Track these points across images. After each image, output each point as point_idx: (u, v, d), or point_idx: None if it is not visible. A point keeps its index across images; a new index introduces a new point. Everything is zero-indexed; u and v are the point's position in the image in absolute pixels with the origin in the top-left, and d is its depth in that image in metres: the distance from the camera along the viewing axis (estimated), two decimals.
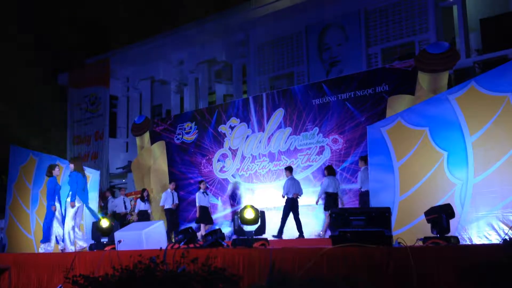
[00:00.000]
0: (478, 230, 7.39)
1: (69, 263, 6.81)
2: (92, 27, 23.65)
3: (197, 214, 12.37)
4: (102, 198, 13.74)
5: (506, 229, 6.96)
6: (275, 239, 11.07)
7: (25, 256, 8.29)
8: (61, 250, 9.27)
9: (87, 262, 6.78)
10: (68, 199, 9.30)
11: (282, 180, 11.70)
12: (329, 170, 10.92)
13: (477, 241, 7.26)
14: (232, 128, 13.38)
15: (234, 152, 13.23)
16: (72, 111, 18.85)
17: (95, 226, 8.07)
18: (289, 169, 11.28)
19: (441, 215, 5.88)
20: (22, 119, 22.09)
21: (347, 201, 11.11)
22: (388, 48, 13.89)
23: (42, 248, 9.35)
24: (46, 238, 9.41)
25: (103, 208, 13.59)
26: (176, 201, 13.18)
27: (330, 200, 10.76)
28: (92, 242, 8.27)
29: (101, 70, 18.16)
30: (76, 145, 18.31)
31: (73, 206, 9.15)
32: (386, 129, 8.73)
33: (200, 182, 12.72)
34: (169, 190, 13.19)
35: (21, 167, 12.33)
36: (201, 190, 12.51)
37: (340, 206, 10.87)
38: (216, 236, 6.45)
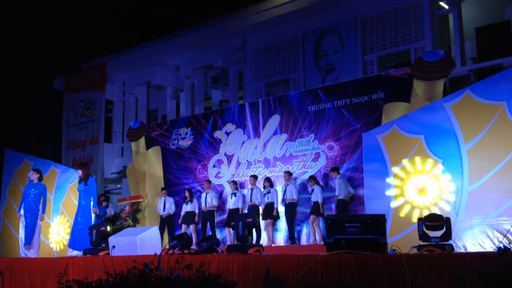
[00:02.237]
0: (473, 238, 7.41)
1: (62, 268, 6.78)
2: (88, 31, 23.64)
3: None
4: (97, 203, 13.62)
5: (500, 237, 6.98)
6: (269, 245, 11.08)
7: (18, 261, 8.25)
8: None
9: (80, 267, 6.75)
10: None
11: (278, 186, 11.72)
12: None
13: (471, 249, 7.27)
14: (227, 134, 13.38)
15: (229, 158, 13.21)
16: (67, 116, 18.80)
17: (98, 231, 7.99)
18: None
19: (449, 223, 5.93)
20: (17, 123, 22.02)
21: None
22: (384, 56, 13.93)
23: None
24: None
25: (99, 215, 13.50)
26: (212, 203, 12.60)
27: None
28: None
29: (97, 74, 18.12)
30: (71, 149, 18.25)
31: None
32: (381, 136, 8.76)
33: (231, 183, 12.41)
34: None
35: (15, 171, 12.30)
36: (230, 191, 12.26)
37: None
38: (210, 242, 6.44)
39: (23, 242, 9.70)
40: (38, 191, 9.81)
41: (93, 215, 9.51)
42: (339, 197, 10.61)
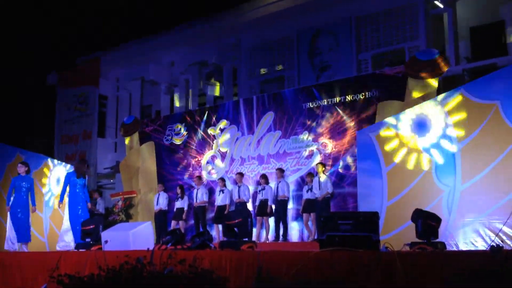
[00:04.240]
0: (465, 237, 7.44)
1: (54, 263, 6.74)
2: (82, 26, 23.55)
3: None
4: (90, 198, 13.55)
5: (492, 235, 7.02)
6: (262, 242, 11.08)
7: (9, 255, 8.20)
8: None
9: (72, 262, 6.71)
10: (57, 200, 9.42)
11: (272, 183, 11.71)
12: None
13: (463, 247, 7.31)
14: (221, 130, 13.36)
15: (223, 155, 13.20)
16: (60, 110, 18.71)
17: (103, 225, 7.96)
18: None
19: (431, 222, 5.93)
20: (10, 117, 21.91)
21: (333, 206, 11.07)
22: (378, 54, 13.95)
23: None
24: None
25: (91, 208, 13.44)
26: (203, 199, 12.49)
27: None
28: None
29: (91, 69, 18.04)
30: (63, 144, 18.17)
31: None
32: (375, 135, 8.78)
33: (219, 179, 12.40)
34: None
35: (7, 165, 12.22)
36: (218, 188, 12.22)
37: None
38: (203, 238, 6.44)
39: (17, 238, 9.61)
40: (29, 184, 9.76)
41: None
42: (327, 195, 10.63)
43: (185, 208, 12.68)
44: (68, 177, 9.34)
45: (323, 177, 10.69)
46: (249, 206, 11.83)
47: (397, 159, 8.41)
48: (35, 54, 22.05)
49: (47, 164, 11.78)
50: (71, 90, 18.36)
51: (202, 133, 13.72)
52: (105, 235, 7.32)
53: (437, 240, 6.04)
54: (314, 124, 11.74)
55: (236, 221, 6.39)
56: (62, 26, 23.11)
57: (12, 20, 22.63)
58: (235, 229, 6.44)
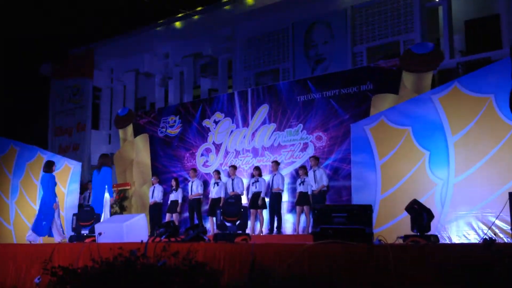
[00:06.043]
0: (458, 230, 7.48)
1: (48, 255, 6.74)
2: (76, 17, 23.37)
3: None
4: (83, 190, 13.54)
5: (485, 229, 7.05)
6: (256, 235, 11.10)
7: (3, 247, 8.19)
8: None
9: (66, 254, 6.72)
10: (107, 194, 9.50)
11: (266, 175, 11.72)
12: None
13: (456, 240, 7.35)
14: (216, 122, 13.34)
15: (217, 147, 13.19)
16: (54, 102, 18.63)
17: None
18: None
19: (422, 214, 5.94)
20: (3, 109, 21.79)
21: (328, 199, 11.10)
22: (373, 47, 13.94)
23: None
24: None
25: (84, 200, 13.43)
26: (198, 191, 12.50)
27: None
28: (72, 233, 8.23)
29: (85, 61, 17.96)
30: (57, 136, 18.10)
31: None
32: (369, 128, 8.79)
33: (214, 172, 12.36)
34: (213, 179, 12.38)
35: (1, 157, 12.18)
36: (213, 181, 12.19)
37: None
38: (197, 230, 6.44)
39: (41, 231, 9.43)
40: None
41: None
42: (323, 188, 10.62)
43: (179, 201, 12.67)
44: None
45: (318, 170, 10.70)
46: (244, 199, 11.83)
47: (391, 152, 8.43)
48: (28, 44, 21.88)
49: (40, 156, 11.74)
50: (65, 81, 18.28)
51: (196, 125, 13.70)
52: (98, 227, 7.32)
53: (430, 233, 6.07)
54: (308, 117, 11.73)
55: (236, 217, 6.41)
56: (56, 17, 22.92)
57: (4, 11, 22.43)
58: (226, 223, 6.45)
